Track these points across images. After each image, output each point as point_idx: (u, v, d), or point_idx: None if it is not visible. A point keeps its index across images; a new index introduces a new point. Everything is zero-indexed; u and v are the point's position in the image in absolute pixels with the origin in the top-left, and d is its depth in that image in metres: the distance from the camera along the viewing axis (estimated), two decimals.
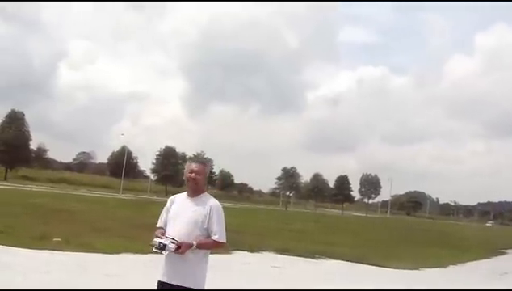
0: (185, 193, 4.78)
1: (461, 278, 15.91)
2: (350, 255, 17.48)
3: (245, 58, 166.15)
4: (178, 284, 4.46)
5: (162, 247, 4.30)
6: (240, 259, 14.30)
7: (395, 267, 15.84)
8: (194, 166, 4.74)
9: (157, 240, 4.36)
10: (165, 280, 4.53)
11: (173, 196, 4.93)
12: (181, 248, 4.33)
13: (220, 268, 12.05)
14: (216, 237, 4.54)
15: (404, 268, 15.94)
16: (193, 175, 4.65)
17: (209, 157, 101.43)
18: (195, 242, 4.42)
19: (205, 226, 4.54)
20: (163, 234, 4.51)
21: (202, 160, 4.59)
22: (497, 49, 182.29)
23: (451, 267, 18.11)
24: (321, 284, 11.60)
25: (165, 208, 4.83)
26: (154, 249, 4.36)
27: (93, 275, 9.73)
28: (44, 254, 11.35)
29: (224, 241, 4.63)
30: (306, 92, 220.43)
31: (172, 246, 4.28)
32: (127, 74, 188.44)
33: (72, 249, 12.31)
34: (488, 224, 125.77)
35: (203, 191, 4.72)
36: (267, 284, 10.89)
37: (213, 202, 4.67)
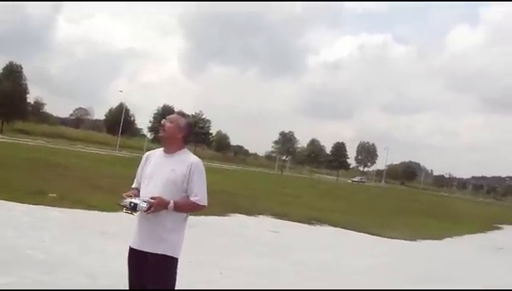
0: (161, 149, 4.20)
1: (458, 251, 15.83)
2: (347, 223, 17.37)
3: (247, 18, 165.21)
4: (151, 251, 3.93)
5: (133, 207, 3.77)
6: (238, 222, 14.17)
7: (391, 237, 15.71)
8: (170, 115, 4.22)
9: (128, 200, 3.82)
10: (135, 246, 4.03)
11: (148, 152, 4.36)
12: (154, 205, 3.78)
13: (219, 231, 11.96)
14: (197, 198, 3.98)
15: (400, 238, 15.80)
16: (163, 121, 4.14)
17: (207, 117, 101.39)
18: (172, 201, 3.86)
19: (184, 186, 3.97)
20: (136, 194, 3.98)
21: (182, 112, 3.89)
22: (502, 22, 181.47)
23: (447, 240, 18.00)
24: (320, 252, 11.47)
25: (139, 167, 4.27)
26: (125, 210, 3.83)
27: (89, 232, 9.54)
28: (40, 209, 11.13)
29: (205, 204, 4.06)
30: (306, 56, 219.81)
31: (144, 206, 3.75)
32: (126, 31, 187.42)
33: (68, 205, 12.09)
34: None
35: (181, 148, 4.13)
36: (266, 248, 10.75)
37: (194, 159, 4.09)
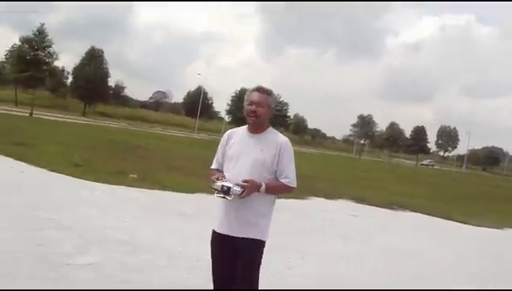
0: (244, 128, 3.97)
1: None
2: (429, 209, 16.72)
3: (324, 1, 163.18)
4: (241, 236, 3.76)
5: (226, 191, 3.59)
6: (317, 206, 13.90)
7: (477, 225, 15.01)
8: (254, 95, 3.87)
9: (219, 183, 3.64)
10: (222, 231, 3.86)
11: (229, 131, 4.10)
12: (247, 189, 3.59)
13: (298, 214, 11.76)
14: (288, 180, 3.80)
15: (486, 226, 15.08)
16: (253, 107, 3.81)
17: (284, 100, 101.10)
18: (263, 184, 3.67)
19: (274, 167, 3.78)
20: (224, 177, 3.76)
21: (265, 89, 3.60)
22: None
23: None
24: (404, 237, 11.07)
25: (220, 147, 4.05)
26: (216, 194, 3.67)
27: (168, 213, 9.57)
28: (121, 189, 11.33)
29: (295, 185, 3.88)
30: (385, 38, 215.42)
31: (238, 190, 3.57)
32: (203, 15, 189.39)
33: (147, 186, 12.26)
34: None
35: (268, 126, 3.91)
36: (348, 232, 10.45)
37: (283, 139, 3.88)
